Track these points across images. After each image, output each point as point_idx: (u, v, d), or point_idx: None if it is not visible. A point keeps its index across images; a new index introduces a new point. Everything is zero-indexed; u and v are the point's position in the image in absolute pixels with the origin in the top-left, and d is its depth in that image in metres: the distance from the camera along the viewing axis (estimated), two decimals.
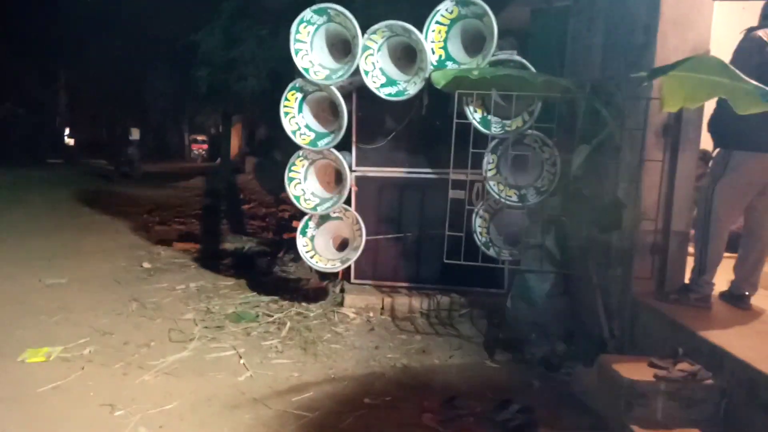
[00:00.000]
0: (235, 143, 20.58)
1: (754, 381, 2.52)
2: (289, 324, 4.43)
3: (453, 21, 4.32)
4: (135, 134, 17.41)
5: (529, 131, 4.25)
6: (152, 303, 4.86)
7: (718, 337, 2.88)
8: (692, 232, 3.67)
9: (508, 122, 4.29)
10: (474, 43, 4.40)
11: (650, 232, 3.64)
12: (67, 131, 25.35)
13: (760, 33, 3.16)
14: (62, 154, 21.08)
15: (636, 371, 2.81)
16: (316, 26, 4.48)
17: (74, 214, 9.35)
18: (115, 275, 5.71)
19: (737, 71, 2.54)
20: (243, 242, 7.52)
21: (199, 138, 26.19)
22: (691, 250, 3.67)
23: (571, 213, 4.10)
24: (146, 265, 6.16)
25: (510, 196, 4.34)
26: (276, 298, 5.04)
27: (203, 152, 25.33)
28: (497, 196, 4.35)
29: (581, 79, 4.16)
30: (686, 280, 3.59)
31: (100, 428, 2.84)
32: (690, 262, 3.60)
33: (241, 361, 3.73)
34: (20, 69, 17.82)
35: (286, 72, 4.73)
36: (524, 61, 4.23)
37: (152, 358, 3.72)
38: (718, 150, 3.40)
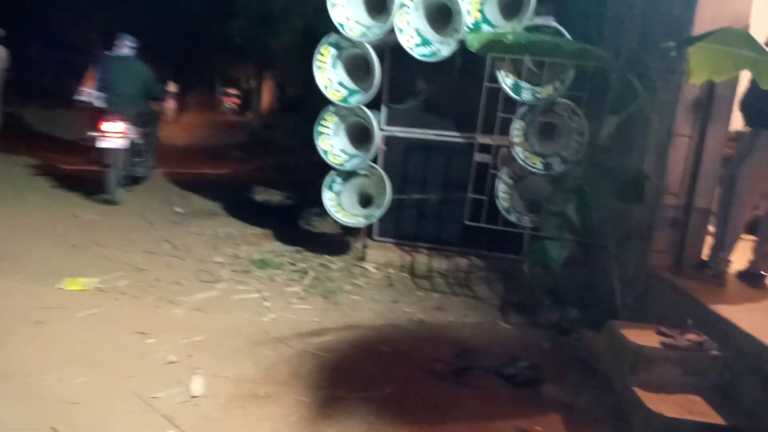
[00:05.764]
0: (266, 98, 20.64)
1: (758, 354, 2.59)
2: (311, 274, 4.61)
3: None
4: (172, 87, 17.78)
5: (560, 99, 4.26)
6: (183, 245, 5.08)
7: (727, 311, 2.95)
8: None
9: (539, 89, 4.30)
10: (511, 7, 4.38)
11: (672, 207, 3.68)
12: None
13: None
14: None
15: (643, 337, 2.90)
16: None
17: None
18: (147, 217, 5.94)
19: (764, 46, 2.52)
20: (270, 194, 7.70)
21: (231, 91, 26.22)
22: (711, 228, 3.70)
23: (594, 183, 4.12)
24: (178, 209, 6.38)
25: (535, 164, 4.39)
26: (300, 249, 5.22)
27: (234, 106, 25.39)
28: (523, 163, 4.40)
29: (617, 49, 4.13)
30: (704, 257, 3.64)
31: (133, 352, 3.06)
32: (709, 240, 3.64)
33: (265, 304, 3.92)
34: None
35: (321, 28, 4.75)
36: (561, 28, 4.21)
37: (182, 294, 3.94)
38: (747, 129, 3.40)
